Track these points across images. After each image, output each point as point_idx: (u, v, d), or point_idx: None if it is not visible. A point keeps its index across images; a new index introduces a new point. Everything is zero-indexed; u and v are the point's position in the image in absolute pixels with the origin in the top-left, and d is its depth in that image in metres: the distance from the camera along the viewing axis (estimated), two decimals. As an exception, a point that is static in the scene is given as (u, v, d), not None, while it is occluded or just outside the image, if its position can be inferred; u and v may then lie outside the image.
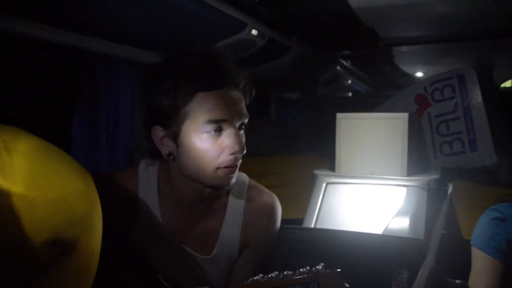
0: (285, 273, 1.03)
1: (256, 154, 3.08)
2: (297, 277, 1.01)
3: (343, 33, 2.99)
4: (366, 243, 1.55)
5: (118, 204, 1.38)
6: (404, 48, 3.39)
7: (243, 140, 1.29)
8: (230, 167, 1.27)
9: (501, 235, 1.40)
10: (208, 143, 1.25)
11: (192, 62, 1.25)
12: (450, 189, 1.35)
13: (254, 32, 2.38)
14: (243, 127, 1.30)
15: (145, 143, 1.37)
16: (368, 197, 2.06)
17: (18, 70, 1.89)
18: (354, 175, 2.15)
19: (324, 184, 2.14)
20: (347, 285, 1.01)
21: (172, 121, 1.26)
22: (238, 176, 1.49)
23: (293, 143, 3.35)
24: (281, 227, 1.55)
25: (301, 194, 2.41)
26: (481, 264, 1.42)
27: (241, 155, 1.28)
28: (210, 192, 1.37)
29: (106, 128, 2.26)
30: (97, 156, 2.19)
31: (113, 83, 2.29)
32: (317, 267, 1.02)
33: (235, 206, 1.44)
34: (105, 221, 1.07)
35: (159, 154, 1.34)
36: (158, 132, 1.30)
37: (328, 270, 1.02)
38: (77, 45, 2.00)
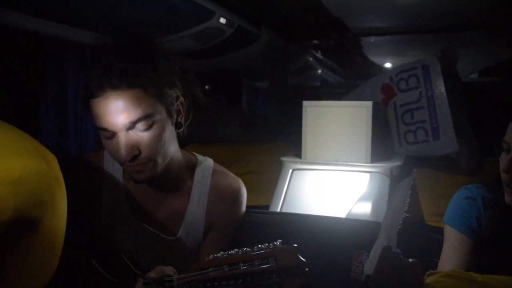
0: (244, 249, 1.07)
1: (226, 143, 3.11)
2: (256, 252, 1.06)
3: (312, 23, 3.02)
4: (328, 226, 1.60)
5: (84, 186, 1.39)
6: (372, 39, 3.45)
7: (147, 140, 1.27)
8: (131, 166, 1.29)
9: (471, 213, 1.45)
10: (107, 145, 1.30)
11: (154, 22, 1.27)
12: (413, 176, 1.38)
13: (222, 20, 2.39)
14: (148, 127, 1.26)
15: None
16: (333, 183, 2.11)
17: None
18: (320, 161, 2.20)
19: (290, 171, 2.18)
20: (303, 259, 1.05)
21: None
22: (203, 161, 1.52)
23: (263, 132, 3.38)
24: (246, 211, 1.58)
25: (269, 181, 2.44)
26: (453, 240, 1.46)
27: (140, 155, 1.27)
28: (175, 169, 1.40)
29: (74, 113, 2.25)
30: (65, 142, 2.18)
31: (80, 69, 2.27)
32: (275, 243, 1.06)
33: (200, 189, 1.46)
34: (71, 204, 1.08)
35: None
36: None
37: (285, 245, 1.06)
38: (43, 31, 1.99)
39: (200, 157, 1.54)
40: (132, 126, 1.24)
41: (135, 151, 1.26)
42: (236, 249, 1.08)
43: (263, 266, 1.04)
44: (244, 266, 1.05)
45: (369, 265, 1.23)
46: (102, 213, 1.41)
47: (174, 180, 1.44)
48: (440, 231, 2.23)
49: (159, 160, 1.31)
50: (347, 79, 4.54)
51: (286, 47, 3.36)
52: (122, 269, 1.28)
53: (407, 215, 1.23)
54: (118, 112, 1.22)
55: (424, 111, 2.59)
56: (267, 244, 1.07)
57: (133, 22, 2.11)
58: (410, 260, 1.10)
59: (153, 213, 1.43)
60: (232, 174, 1.55)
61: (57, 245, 1.00)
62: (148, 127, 1.26)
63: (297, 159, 2.27)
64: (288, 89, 3.58)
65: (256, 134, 3.26)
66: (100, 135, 1.29)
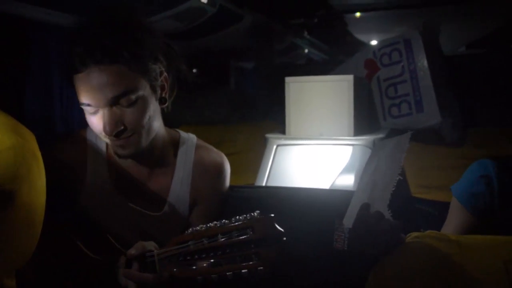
0: (222, 221, 1.09)
1: (214, 123, 3.13)
2: (234, 224, 1.07)
3: (296, 1, 3.02)
4: (312, 198, 1.62)
5: (67, 164, 1.40)
6: (357, 15, 3.44)
7: (131, 115, 1.27)
8: (115, 141, 1.30)
9: (484, 193, 1.38)
10: (91, 121, 1.30)
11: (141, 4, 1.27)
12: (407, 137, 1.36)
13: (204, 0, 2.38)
14: (133, 102, 1.26)
15: None
16: (317, 157, 2.13)
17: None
18: (304, 136, 2.21)
19: (275, 147, 2.19)
20: (280, 228, 1.07)
21: None
22: (186, 137, 1.53)
23: (250, 112, 3.39)
24: (230, 186, 1.60)
25: (257, 160, 2.46)
26: (456, 214, 1.43)
27: (127, 127, 1.28)
28: (158, 145, 1.41)
29: (60, 95, 2.24)
30: (52, 127, 2.18)
31: (62, 52, 2.26)
32: (252, 214, 1.08)
33: (183, 164, 1.47)
34: (54, 182, 1.09)
35: None
36: None
37: (262, 216, 1.08)
38: (26, 15, 1.98)
39: (183, 133, 1.55)
40: (115, 101, 1.24)
41: (119, 126, 1.26)
42: (215, 222, 1.10)
43: (241, 237, 1.05)
44: (222, 238, 1.06)
45: (348, 219, 1.26)
46: (86, 191, 1.41)
47: (158, 157, 1.44)
48: (427, 202, 2.27)
49: (144, 134, 1.31)
50: (333, 56, 4.54)
51: (270, 26, 3.35)
52: (106, 247, 1.29)
53: (400, 178, 1.24)
54: (101, 88, 1.22)
55: (407, 85, 2.62)
56: (245, 216, 1.08)
57: (113, 4, 2.10)
58: (392, 221, 1.12)
59: (137, 190, 1.44)
60: (214, 149, 1.56)
61: (36, 220, 1.01)
62: (132, 103, 1.26)
63: (281, 135, 2.29)
64: (274, 68, 3.59)
65: (243, 114, 3.28)
66: (84, 112, 1.30)
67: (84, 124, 1.39)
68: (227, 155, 1.59)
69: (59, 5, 2.05)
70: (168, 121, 1.48)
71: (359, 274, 1.20)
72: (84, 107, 1.28)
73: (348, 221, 1.25)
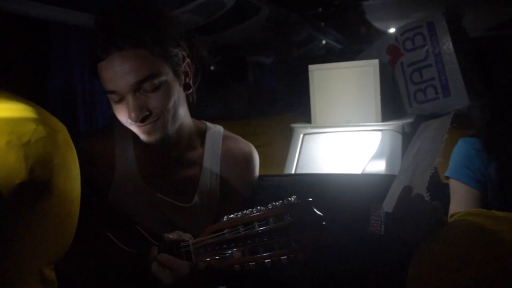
0: (259, 208, 1.07)
1: (234, 118, 3.11)
2: (270, 210, 1.05)
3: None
4: (344, 183, 1.59)
5: (96, 159, 1.40)
6: (375, 2, 3.39)
7: (154, 100, 1.27)
8: (141, 125, 1.30)
9: (475, 164, 1.43)
10: (116, 110, 1.31)
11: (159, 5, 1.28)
12: (450, 117, 1.35)
13: (222, -7, 2.37)
14: (156, 87, 1.27)
15: None
16: (345, 145, 2.10)
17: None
18: (330, 124, 2.18)
19: (301, 136, 2.17)
20: (319, 212, 1.04)
21: None
22: (213, 127, 1.52)
23: (270, 105, 3.38)
24: (260, 175, 1.58)
25: (281, 153, 2.44)
26: (460, 194, 1.44)
27: (151, 112, 1.28)
28: (185, 136, 1.40)
29: (83, 99, 2.26)
30: (75, 124, 2.19)
31: (86, 54, 2.27)
32: (289, 199, 1.05)
33: (211, 154, 1.46)
34: (84, 178, 1.08)
35: None
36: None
37: (299, 201, 1.04)
38: (50, 17, 1.99)
39: (209, 124, 1.54)
40: (139, 87, 1.24)
41: (144, 112, 1.26)
42: (250, 209, 1.07)
43: (278, 223, 1.03)
44: (259, 225, 1.04)
45: (388, 204, 1.23)
46: (115, 184, 1.41)
47: (186, 147, 1.44)
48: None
49: (169, 119, 1.31)
50: (353, 46, 4.48)
51: (288, 17, 3.32)
52: (137, 239, 1.28)
53: (441, 159, 1.22)
54: (124, 73, 1.22)
55: (432, 69, 2.55)
56: (281, 201, 1.06)
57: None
58: (434, 202, 1.09)
59: (166, 181, 1.43)
60: (242, 139, 1.55)
61: (72, 210, 1.01)
62: (156, 88, 1.26)
63: (307, 124, 2.26)
64: (293, 61, 3.56)
65: (264, 108, 3.26)
66: (110, 101, 1.29)
67: (107, 121, 1.39)
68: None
69: (79, 5, 2.05)
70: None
71: (397, 259, 1.17)
72: (109, 95, 1.28)
73: (389, 205, 1.22)
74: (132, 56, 1.23)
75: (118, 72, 1.23)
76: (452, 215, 1.12)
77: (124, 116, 1.29)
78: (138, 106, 1.25)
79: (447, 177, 1.51)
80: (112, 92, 1.26)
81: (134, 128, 1.32)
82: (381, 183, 1.51)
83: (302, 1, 3.27)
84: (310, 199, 1.06)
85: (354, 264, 1.49)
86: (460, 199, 1.45)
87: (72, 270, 1.17)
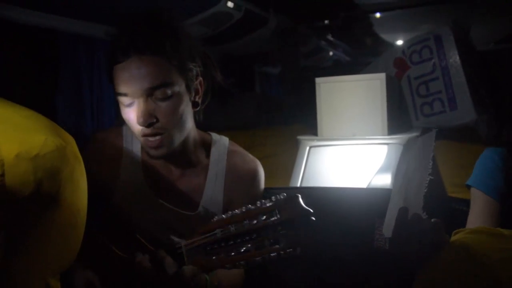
0: (248, 206, 1.06)
1: (241, 128, 3.12)
2: (259, 208, 1.05)
3: (320, 2, 3.00)
4: (348, 197, 1.59)
5: (103, 162, 1.41)
6: (382, 15, 3.41)
7: (164, 112, 1.28)
8: (149, 137, 1.30)
9: (499, 175, 1.40)
10: (125, 114, 1.30)
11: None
12: (433, 135, 1.34)
13: (230, 4, 2.39)
14: (168, 97, 1.27)
15: None
16: (351, 158, 2.10)
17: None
18: (336, 137, 2.19)
19: (308, 148, 2.17)
20: (306, 207, 1.04)
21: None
22: (218, 139, 1.53)
23: (277, 116, 3.39)
24: (265, 188, 1.58)
25: (287, 163, 2.44)
26: (479, 204, 1.42)
27: (159, 123, 1.28)
28: (191, 146, 1.41)
29: (91, 108, 2.28)
30: (82, 127, 2.21)
31: (94, 63, 2.30)
32: (277, 196, 1.05)
33: (216, 165, 1.47)
34: (90, 181, 1.09)
35: None
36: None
37: (287, 196, 1.05)
38: (57, 27, 2.02)
39: (215, 135, 1.55)
40: (151, 92, 1.26)
41: (152, 118, 1.27)
42: (240, 208, 1.07)
43: (267, 220, 1.03)
44: (249, 223, 1.04)
45: (387, 228, 1.22)
46: (119, 190, 1.41)
47: (191, 158, 1.44)
48: (464, 202, 2.21)
49: (176, 133, 1.32)
50: (358, 58, 4.50)
51: (295, 28, 3.35)
52: (138, 247, 1.29)
53: (431, 177, 1.21)
54: (139, 77, 1.24)
55: (439, 82, 2.56)
56: (269, 198, 1.06)
57: (140, 10, 2.12)
58: (432, 220, 1.08)
59: (171, 190, 1.44)
60: (248, 154, 1.55)
61: (79, 221, 1.02)
62: (167, 97, 1.27)
63: (313, 137, 2.27)
64: (301, 72, 3.58)
65: (271, 118, 3.27)
66: (120, 105, 1.31)
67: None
68: (258, 159, 1.57)
69: (90, 16, 2.08)
70: (197, 127, 1.48)
71: (400, 276, 1.17)
72: (121, 98, 1.29)
73: (387, 230, 1.22)
74: (150, 61, 1.24)
75: (134, 76, 1.24)
76: (456, 232, 1.11)
77: (132, 120, 1.30)
78: (147, 112, 1.26)
79: (469, 186, 1.48)
80: (125, 94, 1.27)
81: (141, 139, 1.33)
82: (387, 197, 1.51)
83: (309, 13, 3.30)
84: (298, 194, 1.06)
85: (358, 278, 1.49)
86: (480, 210, 1.42)
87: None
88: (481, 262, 0.97)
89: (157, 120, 1.28)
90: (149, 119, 1.26)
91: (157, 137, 1.30)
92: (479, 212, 1.42)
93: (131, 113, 1.29)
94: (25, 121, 0.93)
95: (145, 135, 1.30)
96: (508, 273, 0.93)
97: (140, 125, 1.27)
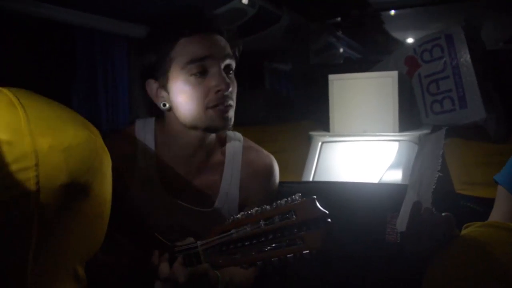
0: (264, 207, 1.07)
1: (252, 124, 3.14)
2: (275, 209, 1.05)
3: (332, 0, 3.03)
4: (361, 192, 1.62)
5: (116, 162, 1.40)
6: (393, 13, 3.42)
7: (233, 84, 1.33)
8: (220, 106, 1.31)
9: None
10: (193, 84, 1.31)
11: (174, 12, 1.34)
12: (443, 133, 1.35)
13: (244, 1, 2.41)
14: (231, 72, 1.34)
15: (145, 102, 1.43)
16: (362, 154, 2.13)
17: (14, 47, 1.93)
18: (348, 133, 2.21)
19: (320, 143, 2.20)
20: (322, 209, 1.03)
21: (160, 70, 1.33)
22: (232, 136, 1.54)
23: (288, 112, 3.40)
24: (280, 182, 1.60)
25: (298, 159, 2.47)
26: (504, 204, 1.42)
27: (230, 95, 1.31)
28: (210, 142, 1.42)
29: (105, 104, 2.30)
30: (97, 125, 2.24)
31: (109, 60, 2.32)
32: (293, 196, 1.05)
33: (232, 162, 1.48)
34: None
35: (157, 110, 1.40)
36: (152, 85, 1.36)
37: (304, 198, 1.04)
38: (72, 21, 2.05)
39: (229, 132, 1.55)
40: (229, 57, 1.32)
41: (229, 85, 1.31)
42: (256, 208, 1.08)
43: (283, 222, 1.03)
44: (265, 224, 1.04)
45: (400, 223, 1.25)
46: (134, 187, 1.41)
47: (208, 153, 1.45)
48: (472, 199, 2.23)
49: (233, 112, 1.36)
50: (370, 56, 4.51)
51: (307, 26, 3.36)
52: (154, 244, 1.29)
53: (440, 174, 1.23)
54: (219, 43, 1.31)
55: (449, 81, 2.58)
56: (286, 199, 1.06)
57: (157, 8, 2.15)
58: (443, 214, 1.11)
59: (186, 187, 1.43)
60: (263, 150, 1.56)
61: (105, 211, 1.05)
62: (231, 72, 1.34)
63: (325, 133, 2.30)
64: (311, 68, 3.59)
65: (281, 114, 3.29)
66: (187, 81, 1.31)
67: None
68: (269, 155, 1.60)
69: (107, 11, 2.11)
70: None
71: (412, 270, 1.19)
72: (194, 66, 1.30)
73: (401, 224, 1.24)
74: (222, 38, 1.33)
75: (213, 42, 1.30)
76: (466, 226, 1.14)
77: (203, 90, 1.31)
78: (226, 78, 1.30)
79: (496, 182, 1.46)
80: (205, 58, 1.29)
81: (209, 112, 1.32)
82: (398, 192, 1.53)
83: (321, 10, 3.31)
84: (315, 196, 1.06)
85: (369, 272, 1.52)
86: (503, 208, 1.41)
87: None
88: (490, 255, 0.99)
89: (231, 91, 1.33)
90: (230, 85, 1.30)
91: (227, 107, 1.32)
92: (501, 211, 1.42)
93: (202, 84, 1.31)
94: (57, 114, 0.96)
95: (217, 105, 1.31)
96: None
97: (223, 89, 1.29)
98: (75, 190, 0.91)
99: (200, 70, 1.30)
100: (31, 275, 0.88)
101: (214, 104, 1.30)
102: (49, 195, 0.87)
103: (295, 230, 1.03)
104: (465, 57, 2.54)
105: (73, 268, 0.96)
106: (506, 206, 1.41)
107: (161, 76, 1.34)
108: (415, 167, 1.37)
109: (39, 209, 0.88)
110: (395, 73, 2.18)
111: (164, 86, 1.34)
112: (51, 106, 0.99)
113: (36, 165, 0.86)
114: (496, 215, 1.43)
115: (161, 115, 1.44)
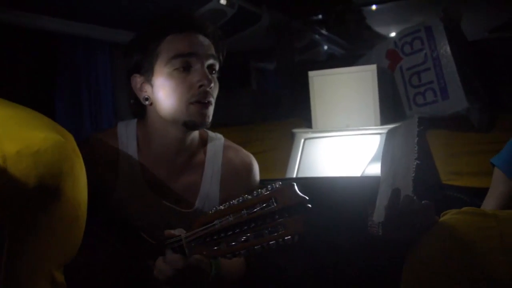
0: (245, 196, 1.09)
1: (238, 124, 3.14)
2: (256, 197, 1.07)
3: (313, -3, 3.03)
4: (343, 186, 1.63)
5: (99, 164, 1.42)
6: (374, 8, 3.43)
7: (215, 83, 1.37)
8: (201, 103, 1.35)
9: None
10: (177, 79, 1.34)
11: (162, 12, 1.37)
12: (415, 121, 1.35)
13: (222, 1, 2.42)
14: (214, 72, 1.38)
15: (129, 105, 1.46)
16: (345, 148, 2.14)
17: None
18: (330, 129, 2.22)
19: (302, 140, 2.21)
20: (302, 194, 1.05)
21: (146, 64, 1.36)
22: (213, 136, 1.55)
23: (274, 111, 3.40)
24: (261, 180, 1.61)
25: (285, 158, 2.47)
26: (500, 187, 1.43)
27: (211, 91, 1.35)
28: (191, 142, 1.44)
29: (89, 110, 2.30)
30: (80, 130, 2.24)
31: (92, 65, 2.32)
32: (273, 184, 1.07)
33: (212, 163, 1.49)
34: (88, 182, 1.12)
35: (140, 108, 1.43)
36: (136, 79, 1.40)
37: (283, 185, 1.06)
38: (55, 29, 2.05)
39: (210, 133, 1.57)
40: (209, 58, 1.36)
41: (211, 82, 1.35)
42: (237, 198, 1.10)
43: (265, 209, 1.04)
44: (247, 213, 1.06)
45: (377, 215, 1.26)
46: (118, 190, 1.43)
47: (190, 153, 1.47)
48: (458, 189, 2.25)
49: (212, 110, 1.39)
50: (353, 51, 4.52)
51: (289, 24, 3.37)
52: (138, 243, 1.30)
53: (418, 162, 1.24)
54: (203, 43, 1.36)
55: (431, 72, 2.59)
56: (266, 187, 1.08)
57: (136, 11, 2.15)
58: (423, 202, 1.12)
59: (168, 188, 1.45)
60: (243, 150, 1.58)
61: (80, 214, 1.05)
62: (214, 72, 1.38)
63: (308, 129, 2.31)
64: (296, 66, 3.60)
65: (268, 113, 3.30)
66: (170, 75, 1.35)
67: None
68: (255, 154, 1.60)
69: (88, 18, 2.11)
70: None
71: (393, 259, 1.20)
72: (179, 61, 1.34)
73: (378, 215, 1.25)
74: (207, 39, 1.38)
75: (198, 41, 1.35)
76: (444, 214, 1.16)
77: (186, 84, 1.34)
78: (208, 74, 1.34)
79: (493, 164, 1.49)
80: (190, 54, 1.33)
81: (190, 108, 1.35)
82: (378, 185, 1.55)
83: (303, 8, 3.32)
84: (294, 183, 1.07)
85: (352, 263, 1.53)
86: (499, 189, 1.44)
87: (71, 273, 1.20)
88: (462, 240, 1.02)
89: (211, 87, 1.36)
90: (212, 81, 1.34)
91: (207, 104, 1.36)
92: (496, 193, 1.43)
93: (185, 79, 1.34)
94: (25, 119, 0.97)
95: (199, 100, 1.35)
96: (485, 249, 0.97)
97: (205, 85, 1.33)
98: (46, 195, 0.91)
99: (183, 65, 1.33)
100: (5, 280, 0.88)
101: (195, 99, 1.34)
102: (19, 201, 0.87)
103: (276, 216, 1.04)
104: (445, 48, 2.54)
105: (50, 272, 0.96)
106: (502, 187, 1.44)
107: (146, 71, 1.37)
108: (385, 159, 1.38)
109: (8, 215, 0.88)
110: (374, 67, 2.19)
111: (148, 80, 1.38)
112: (18, 111, 0.99)
113: (4, 170, 0.86)
114: (492, 196, 1.45)
115: (143, 117, 1.45)
